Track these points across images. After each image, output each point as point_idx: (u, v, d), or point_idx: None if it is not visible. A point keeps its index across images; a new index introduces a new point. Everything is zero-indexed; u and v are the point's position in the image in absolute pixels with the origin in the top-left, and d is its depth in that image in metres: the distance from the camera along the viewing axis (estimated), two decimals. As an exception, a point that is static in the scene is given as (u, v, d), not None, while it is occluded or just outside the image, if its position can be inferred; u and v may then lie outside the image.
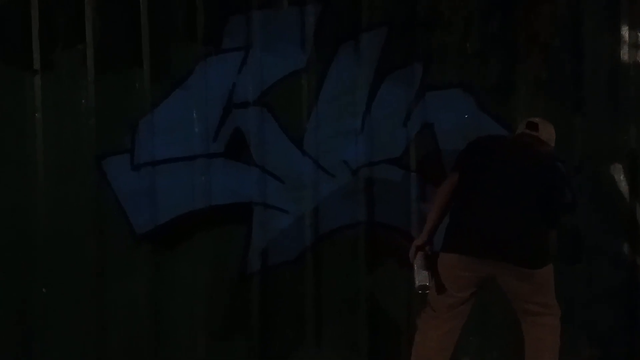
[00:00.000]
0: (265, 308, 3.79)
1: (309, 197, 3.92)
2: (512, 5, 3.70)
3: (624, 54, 3.71)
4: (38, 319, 3.73)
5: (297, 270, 3.89)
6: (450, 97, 3.89)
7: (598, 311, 3.71)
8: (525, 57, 3.79)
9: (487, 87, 3.87)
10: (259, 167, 3.90)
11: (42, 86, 3.71)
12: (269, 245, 3.92)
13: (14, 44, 3.69)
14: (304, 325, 3.80)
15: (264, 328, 3.77)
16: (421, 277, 3.14)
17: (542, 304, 3.17)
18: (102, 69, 3.78)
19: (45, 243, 3.76)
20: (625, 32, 3.70)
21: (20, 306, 3.74)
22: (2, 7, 3.65)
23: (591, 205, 3.77)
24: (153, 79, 3.79)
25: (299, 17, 3.73)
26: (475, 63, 3.82)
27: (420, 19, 3.73)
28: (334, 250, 3.96)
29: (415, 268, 3.19)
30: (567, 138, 3.72)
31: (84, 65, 3.74)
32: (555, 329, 3.30)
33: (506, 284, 3.18)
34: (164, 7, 3.70)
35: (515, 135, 3.40)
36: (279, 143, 3.90)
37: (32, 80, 3.72)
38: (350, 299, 3.84)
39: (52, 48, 3.71)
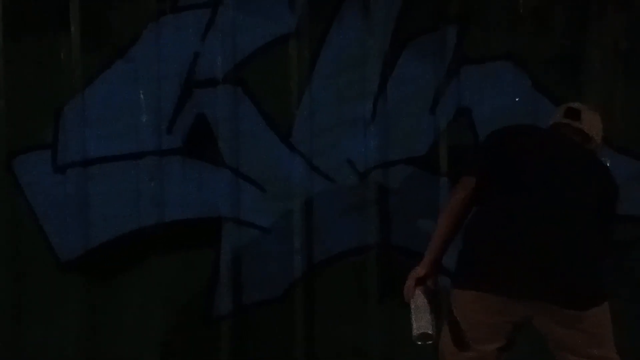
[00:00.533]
0: (239, 362, 3.70)
1: (299, 210, 3.77)
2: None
3: None
4: None
5: (283, 312, 3.70)
6: (495, 73, 3.74)
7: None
8: (598, 17, 3.60)
9: (546, 60, 3.68)
10: (231, 168, 3.74)
11: None
12: (245, 278, 3.75)
13: None
14: (292, 386, 3.56)
15: (236, 388, 3.51)
16: (422, 323, 2.78)
17: (598, 358, 2.77)
18: (14, 34, 3.55)
19: None
20: None
21: None
22: None
23: None
24: (84, 47, 3.56)
25: (286, -38, 3.43)
26: (530, 26, 3.64)
27: (455, -35, 3.45)
28: (334, 284, 3.75)
29: (413, 309, 2.82)
30: None
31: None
32: None
33: (548, 330, 2.81)
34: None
35: (551, 125, 3.05)
36: (259, 136, 3.76)
37: None
38: (355, 351, 3.73)
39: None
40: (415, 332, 2.85)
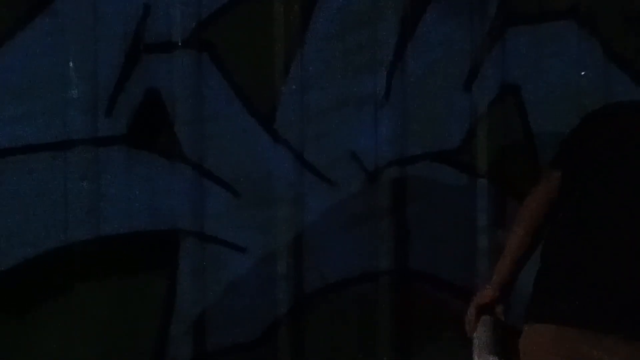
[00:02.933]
0: None
1: (285, 222, 3.80)
2: None
3: None
4: None
5: (262, 359, 3.73)
6: (553, 38, 3.80)
7: None
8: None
9: (624, 19, 3.83)
10: (193, 164, 3.72)
11: None
12: (211, 313, 3.77)
13: None
14: None
15: None
16: None
17: None
18: None
19: None
20: None
21: None
22: None
23: None
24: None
25: None
26: None
27: None
28: (332, 322, 3.78)
29: (477, 345, 2.93)
30: None
31: None
32: None
33: None
34: None
35: None
36: (230, 120, 3.83)
37: None
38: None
39: None
40: None
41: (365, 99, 3.79)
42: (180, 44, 3.74)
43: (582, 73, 3.72)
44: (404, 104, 3.80)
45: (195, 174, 3.77)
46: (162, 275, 3.77)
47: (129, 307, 3.76)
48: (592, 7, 3.76)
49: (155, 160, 3.77)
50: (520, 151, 3.83)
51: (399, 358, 3.81)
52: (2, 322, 3.72)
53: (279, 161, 3.78)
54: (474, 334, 3.03)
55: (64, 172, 3.70)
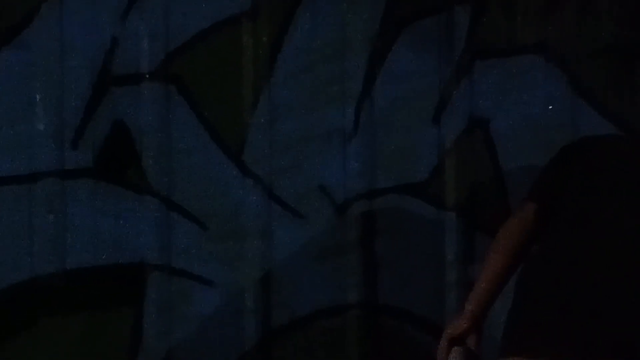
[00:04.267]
0: None
1: (254, 256, 3.80)
2: None
3: None
4: None
5: None
6: (521, 71, 3.82)
7: None
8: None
9: (590, 54, 3.80)
10: (160, 197, 3.74)
11: None
12: (178, 348, 3.76)
13: None
14: None
15: None
16: None
17: None
18: None
19: None
20: None
21: None
22: None
23: None
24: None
25: None
26: (569, 9, 3.75)
27: None
28: (301, 357, 3.78)
29: None
30: None
31: None
32: None
33: None
34: None
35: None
36: (198, 152, 3.85)
37: None
38: None
39: None
40: None
41: (334, 132, 3.79)
42: (147, 76, 3.75)
43: (550, 107, 3.73)
44: (372, 137, 3.80)
45: (162, 207, 3.77)
46: (129, 309, 3.76)
47: (95, 342, 3.74)
48: (559, 42, 3.77)
49: (122, 193, 3.77)
50: (489, 185, 3.84)
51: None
52: (-35, 358, 3.80)
53: (247, 194, 3.78)
54: None
55: (29, 204, 3.71)
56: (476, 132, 3.80)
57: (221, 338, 3.79)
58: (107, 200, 3.76)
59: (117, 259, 3.75)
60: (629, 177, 2.93)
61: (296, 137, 3.80)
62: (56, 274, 3.70)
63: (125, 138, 3.77)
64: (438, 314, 3.81)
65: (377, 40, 3.80)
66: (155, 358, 3.77)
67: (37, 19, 3.58)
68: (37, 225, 3.70)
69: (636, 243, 2.86)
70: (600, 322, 2.82)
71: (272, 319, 3.80)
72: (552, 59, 3.76)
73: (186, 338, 3.78)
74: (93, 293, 3.73)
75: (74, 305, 3.71)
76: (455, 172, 3.82)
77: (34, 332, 3.70)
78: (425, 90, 3.80)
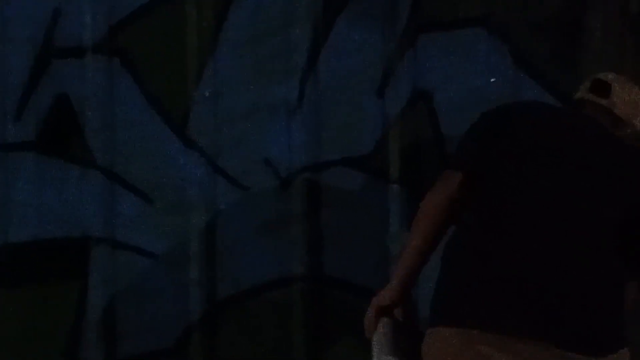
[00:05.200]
0: None
1: (198, 227, 3.80)
2: None
3: None
4: None
5: None
6: (464, 44, 3.77)
7: None
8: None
9: (532, 26, 3.72)
10: (104, 170, 3.77)
11: None
12: (122, 321, 3.76)
13: None
14: None
15: None
16: None
17: None
18: None
19: None
20: None
21: None
22: None
23: None
24: None
25: None
26: None
27: None
28: (245, 328, 3.77)
29: (376, 348, 2.85)
30: None
31: None
32: None
33: None
34: None
35: (574, 102, 3.07)
36: (142, 125, 3.82)
37: None
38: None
39: None
40: None
41: (278, 106, 3.78)
42: (91, 48, 3.76)
43: (492, 79, 3.70)
44: (316, 110, 3.80)
45: (106, 181, 3.78)
46: (73, 282, 3.78)
47: (39, 315, 3.76)
48: (502, 15, 3.72)
49: (65, 166, 3.78)
50: (432, 157, 3.79)
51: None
52: None
53: (191, 167, 3.78)
54: (373, 336, 2.98)
55: (-30, 178, 3.84)
56: (420, 105, 3.78)
57: (166, 311, 3.79)
58: (50, 173, 3.76)
59: (61, 232, 3.76)
60: (556, 147, 2.90)
61: (241, 110, 3.79)
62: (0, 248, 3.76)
63: (68, 111, 3.76)
64: (382, 285, 3.58)
65: (321, 14, 3.78)
66: (99, 330, 3.78)
67: (-24, -11, 3.77)
68: (-22, 200, 3.84)
69: (569, 210, 2.83)
70: (536, 294, 2.78)
71: (217, 291, 3.80)
72: (495, 31, 3.72)
73: (131, 311, 3.78)
74: (37, 267, 3.76)
75: (18, 279, 3.73)
76: (399, 144, 3.79)
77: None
78: (369, 64, 3.78)
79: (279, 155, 3.81)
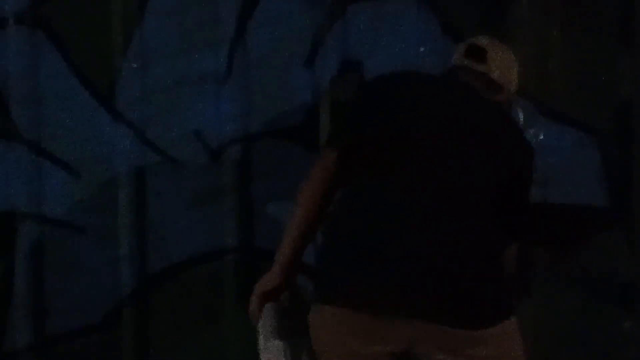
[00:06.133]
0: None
1: (126, 202, 3.81)
2: None
3: None
4: None
5: (106, 343, 3.73)
6: (393, 14, 3.78)
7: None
8: None
9: None
10: (29, 143, 3.71)
11: None
12: (51, 297, 3.72)
13: None
14: None
15: None
16: (271, 355, 2.81)
17: None
18: None
19: None
20: None
21: None
22: None
23: None
24: None
25: None
26: None
27: None
28: (177, 302, 3.78)
29: (261, 334, 2.87)
30: (610, 95, 3.74)
31: None
32: None
33: None
34: None
35: (448, 69, 3.12)
36: (67, 97, 3.77)
37: None
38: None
39: None
40: None
41: (207, 76, 3.75)
42: (13, 19, 3.69)
43: (422, 49, 3.70)
44: (246, 81, 3.76)
45: (31, 154, 3.72)
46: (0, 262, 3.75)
47: (-34, 293, 3.79)
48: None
49: (-12, 141, 3.83)
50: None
51: (246, 336, 3.57)
52: None
53: (119, 140, 3.74)
54: (259, 322, 2.96)
55: None
56: (349, 75, 3.76)
57: (96, 286, 3.76)
58: (-29, 147, 3.79)
59: (-16, 207, 3.80)
60: (430, 115, 2.88)
61: (169, 82, 3.75)
62: None
63: (-14, 85, 3.80)
64: (314, 257, 3.61)
65: (250, -17, 3.83)
66: (27, 307, 3.73)
67: None
68: None
69: (432, 181, 2.81)
70: (398, 263, 2.75)
71: (148, 265, 3.78)
72: (424, 0, 3.72)
73: (60, 287, 3.75)
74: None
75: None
76: (328, 114, 3.77)
77: None
78: (298, 33, 3.76)
79: (208, 126, 3.78)
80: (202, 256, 3.78)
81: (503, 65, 3.07)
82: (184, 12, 3.74)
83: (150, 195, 3.79)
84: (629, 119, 3.83)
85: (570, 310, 3.77)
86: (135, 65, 3.74)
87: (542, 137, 3.75)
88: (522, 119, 3.69)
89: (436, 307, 2.72)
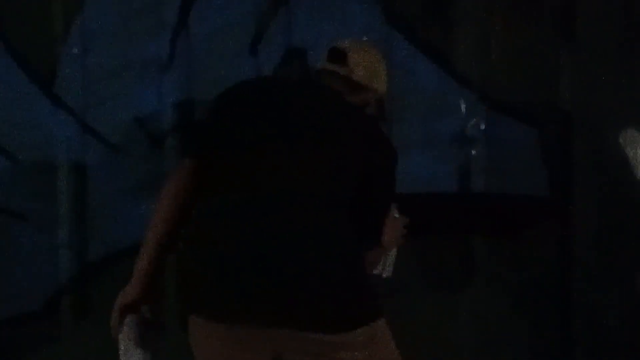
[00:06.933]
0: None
1: (66, 189, 3.77)
2: None
3: None
4: None
5: (44, 331, 3.70)
6: (337, 2, 3.78)
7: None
8: None
9: None
10: None
11: None
12: None
13: None
14: None
15: None
16: None
17: None
18: None
19: None
20: None
21: None
22: None
23: (590, 203, 3.81)
24: None
25: None
26: None
27: None
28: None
29: (122, 346, 2.82)
30: (551, 85, 3.78)
31: None
32: None
33: None
34: None
35: (315, 73, 3.08)
36: (8, 85, 3.75)
37: None
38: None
39: None
40: None
41: (149, 63, 3.74)
42: (-50, 5, 3.70)
43: (365, 38, 3.62)
44: (188, 67, 3.76)
45: (-30, 141, 3.75)
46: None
47: None
48: (376, -31, 3.75)
49: None
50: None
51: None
52: None
53: (59, 126, 3.71)
54: (119, 335, 2.89)
55: None
56: (294, 63, 3.76)
57: (36, 273, 3.74)
58: None
59: None
60: (283, 121, 2.86)
61: (110, 68, 3.73)
62: None
63: None
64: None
65: (191, -32, 3.79)
66: (-34, 295, 3.76)
67: None
68: None
69: (283, 187, 2.77)
70: (249, 271, 2.70)
71: (88, 253, 3.75)
72: (369, -15, 3.75)
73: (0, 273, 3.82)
74: None
75: None
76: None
77: None
78: (242, 21, 3.75)
79: (149, 113, 3.76)
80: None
81: (366, 66, 2.99)
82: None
83: (90, 183, 3.77)
84: (570, 110, 3.86)
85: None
86: (76, 51, 3.71)
87: (483, 127, 3.78)
88: (464, 110, 3.72)
89: (293, 315, 2.70)
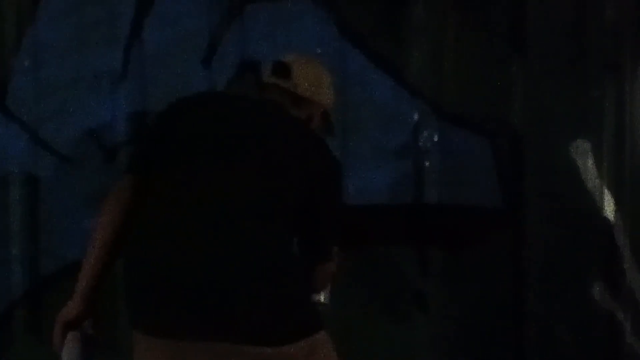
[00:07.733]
0: None
1: (18, 202, 3.76)
2: None
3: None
4: None
5: None
6: (291, 15, 3.78)
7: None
8: None
9: None
10: None
11: None
12: None
13: None
14: None
15: None
16: None
17: None
18: None
19: None
20: None
21: None
22: None
23: (542, 214, 3.82)
24: None
25: None
26: None
27: None
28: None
29: None
30: (503, 97, 3.80)
31: None
32: None
33: None
34: None
35: (260, 88, 3.09)
36: None
37: None
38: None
39: None
40: None
41: (102, 75, 3.71)
42: None
43: (318, 50, 3.69)
44: (142, 79, 3.73)
45: None
46: None
47: None
48: (328, -19, 3.76)
49: None
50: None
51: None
52: None
53: (11, 140, 3.69)
54: (62, 352, 2.85)
55: None
56: (247, 76, 3.74)
57: (-12, 287, 3.77)
58: None
59: None
60: (219, 137, 2.84)
61: (62, 80, 3.70)
62: None
63: None
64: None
65: (147, -20, 3.77)
66: None
67: None
68: None
69: (218, 202, 2.74)
70: (182, 285, 2.68)
71: (41, 266, 3.72)
72: (322, 2, 3.72)
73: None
74: None
75: None
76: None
77: None
78: (195, 33, 3.73)
79: (103, 125, 3.74)
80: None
81: (310, 80, 2.98)
82: (79, 10, 3.70)
83: (42, 196, 3.74)
84: (521, 122, 3.86)
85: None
86: (27, 63, 3.69)
87: (436, 138, 3.78)
88: (417, 122, 3.72)
89: (230, 328, 2.68)
